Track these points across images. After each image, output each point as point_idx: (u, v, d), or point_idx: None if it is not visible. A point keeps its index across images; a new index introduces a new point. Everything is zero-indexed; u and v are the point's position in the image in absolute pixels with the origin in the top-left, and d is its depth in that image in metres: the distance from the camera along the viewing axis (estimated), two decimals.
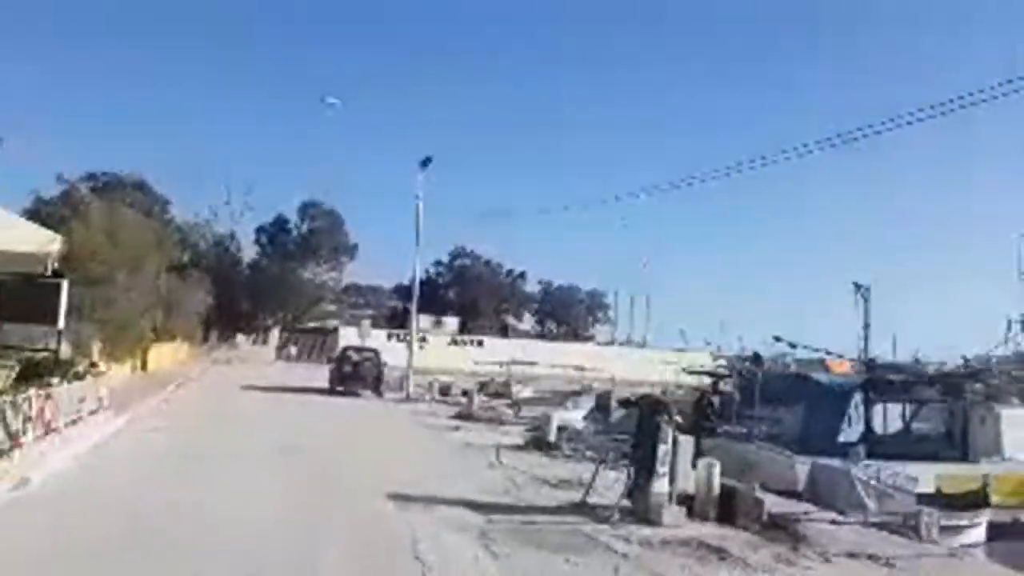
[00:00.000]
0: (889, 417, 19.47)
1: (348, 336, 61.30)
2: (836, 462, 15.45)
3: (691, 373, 33.06)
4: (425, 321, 68.76)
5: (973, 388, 17.82)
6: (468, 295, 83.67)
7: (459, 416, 23.02)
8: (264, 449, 13.68)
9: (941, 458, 17.22)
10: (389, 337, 60.92)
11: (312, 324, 79.38)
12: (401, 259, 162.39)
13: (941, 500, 15.23)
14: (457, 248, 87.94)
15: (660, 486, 9.62)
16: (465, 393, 38.28)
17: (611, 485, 10.65)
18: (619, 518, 9.43)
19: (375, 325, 70.54)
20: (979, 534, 14.61)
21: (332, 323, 77.92)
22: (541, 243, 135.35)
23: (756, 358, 24.46)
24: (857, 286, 21.59)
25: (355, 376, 30.60)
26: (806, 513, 10.63)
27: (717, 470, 10.17)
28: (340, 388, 30.16)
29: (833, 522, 10.52)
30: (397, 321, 71.55)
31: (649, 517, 9.50)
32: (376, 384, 30.38)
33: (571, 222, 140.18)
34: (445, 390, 35.66)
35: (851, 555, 8.52)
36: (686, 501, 10.01)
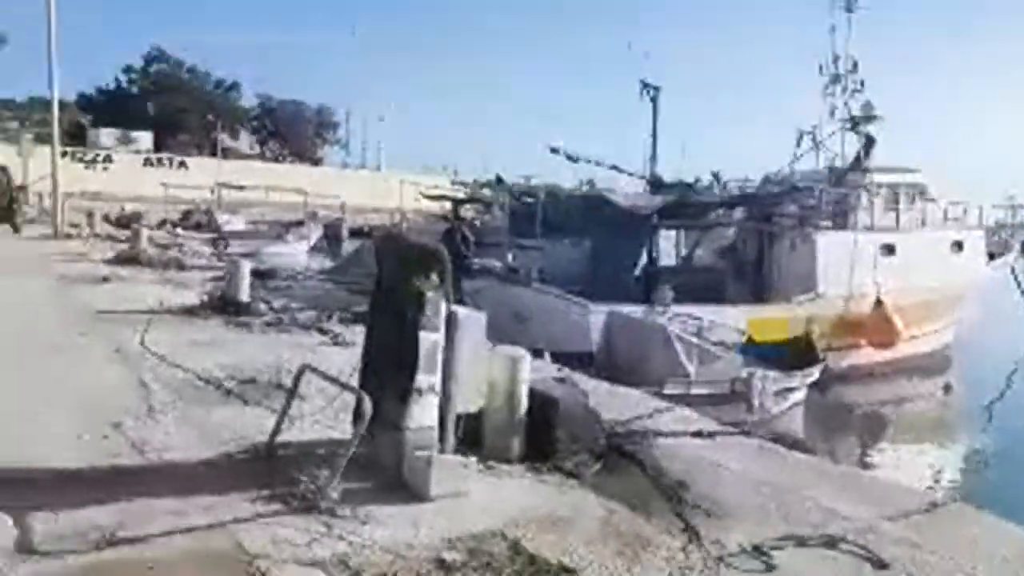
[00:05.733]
0: (678, 247, 16.23)
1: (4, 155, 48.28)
2: (639, 311, 11.72)
3: (431, 198, 28.77)
4: (109, 137, 56.68)
5: (785, 211, 14.56)
6: (169, 108, 70.67)
7: (118, 260, 16.26)
8: None
9: (737, 298, 14.27)
10: (64, 155, 48.98)
11: None
12: (94, 64, 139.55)
13: (753, 349, 12.28)
14: (153, 50, 73.37)
15: (423, 414, 4.79)
16: (162, 224, 30.91)
17: (340, 391, 5.65)
18: (339, 495, 4.46)
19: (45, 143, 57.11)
20: (803, 394, 11.87)
21: None
22: (256, 51, 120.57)
23: (499, 181, 21.31)
24: (644, 85, 17.54)
25: None
26: (641, 418, 6.43)
27: (526, 367, 5.52)
28: None
29: (697, 434, 6.44)
30: (81, 140, 58.34)
31: (404, 480, 4.70)
32: (8, 214, 22.13)
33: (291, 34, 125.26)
34: (124, 221, 27.88)
35: (785, 537, 4.36)
36: (468, 425, 5.33)
